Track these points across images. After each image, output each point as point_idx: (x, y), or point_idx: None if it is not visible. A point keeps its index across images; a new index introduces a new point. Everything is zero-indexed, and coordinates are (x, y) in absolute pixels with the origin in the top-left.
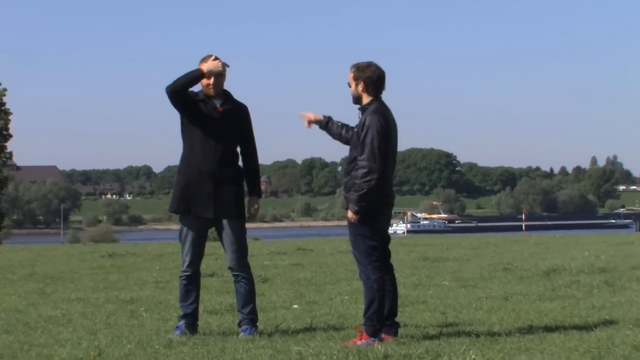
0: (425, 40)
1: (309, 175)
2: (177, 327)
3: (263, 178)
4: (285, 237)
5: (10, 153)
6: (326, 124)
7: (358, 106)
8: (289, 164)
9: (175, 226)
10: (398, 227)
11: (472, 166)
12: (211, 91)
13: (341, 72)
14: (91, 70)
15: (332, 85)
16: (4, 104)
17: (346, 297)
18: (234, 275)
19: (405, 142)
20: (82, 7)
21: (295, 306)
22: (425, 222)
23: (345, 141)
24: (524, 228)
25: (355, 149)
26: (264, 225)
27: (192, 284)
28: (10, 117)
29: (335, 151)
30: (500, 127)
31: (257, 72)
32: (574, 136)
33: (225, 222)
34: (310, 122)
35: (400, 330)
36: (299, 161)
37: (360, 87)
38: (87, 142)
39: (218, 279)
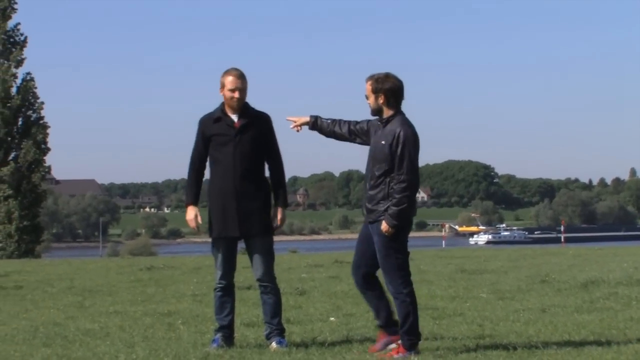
0: (463, 52)
1: (346, 188)
2: (213, 340)
3: (300, 191)
4: (323, 250)
5: (49, 167)
6: (314, 124)
7: (377, 118)
8: (327, 176)
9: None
10: (479, 238)
11: (510, 178)
12: (234, 104)
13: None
14: (130, 84)
15: None
16: (42, 118)
17: None
18: (261, 286)
19: (443, 154)
20: (123, 19)
21: (332, 319)
22: (505, 232)
23: (340, 137)
24: (562, 240)
25: (385, 162)
26: (302, 237)
27: (226, 295)
28: (48, 131)
29: None
30: (538, 139)
31: (293, 84)
32: (613, 147)
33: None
34: (298, 125)
35: (437, 343)
36: (337, 174)
37: (381, 100)
38: (125, 156)
39: (254, 292)
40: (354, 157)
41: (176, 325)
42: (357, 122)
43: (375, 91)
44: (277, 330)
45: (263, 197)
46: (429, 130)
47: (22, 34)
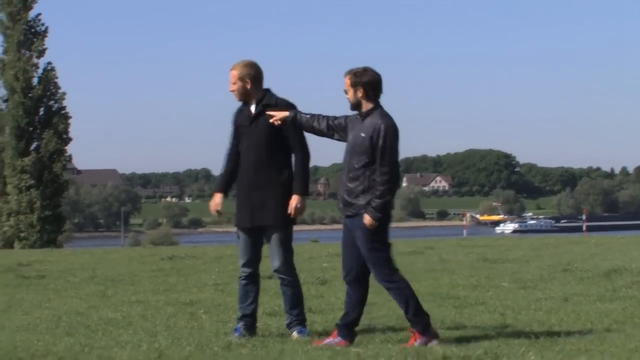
0: (485, 40)
1: None
2: (235, 329)
3: (322, 180)
4: None
5: (70, 156)
6: (294, 119)
7: (357, 112)
8: None
9: (234, 229)
10: (505, 227)
11: (531, 167)
12: (235, 96)
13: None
14: (150, 74)
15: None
16: (63, 108)
17: None
18: (279, 278)
19: (464, 143)
20: (143, 9)
21: None
22: (532, 221)
23: (318, 132)
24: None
25: (365, 154)
26: (323, 227)
27: (250, 284)
28: (70, 121)
29: None
30: (560, 128)
31: (316, 72)
32: (635, 136)
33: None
34: (277, 120)
35: (460, 332)
36: None
37: (359, 93)
38: (146, 146)
39: (277, 281)
40: None
41: (198, 314)
42: (335, 118)
43: (354, 85)
44: (298, 320)
45: (280, 187)
46: (449, 119)
47: (43, 24)
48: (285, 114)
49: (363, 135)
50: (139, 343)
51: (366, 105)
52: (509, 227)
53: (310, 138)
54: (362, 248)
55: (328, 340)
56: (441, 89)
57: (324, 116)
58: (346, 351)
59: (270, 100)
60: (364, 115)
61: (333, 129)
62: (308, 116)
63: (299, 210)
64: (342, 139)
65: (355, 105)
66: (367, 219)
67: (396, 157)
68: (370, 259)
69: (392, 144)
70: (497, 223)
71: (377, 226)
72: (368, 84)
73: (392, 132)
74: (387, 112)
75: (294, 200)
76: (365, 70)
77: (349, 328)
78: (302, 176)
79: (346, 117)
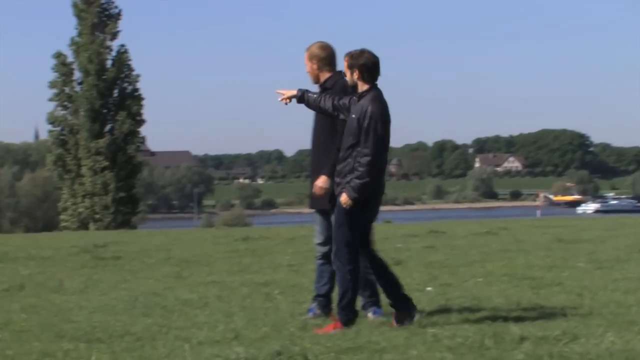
0: (557, 18)
1: (439, 158)
2: (310, 309)
3: (394, 161)
4: (417, 220)
5: (144, 138)
6: (301, 97)
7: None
8: (420, 146)
9: (307, 210)
10: (587, 207)
11: (605, 147)
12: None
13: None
14: (223, 55)
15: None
16: (137, 90)
17: (480, 280)
18: None
19: (537, 123)
20: None
21: (429, 288)
22: (613, 202)
23: (324, 111)
24: None
25: (352, 135)
26: (395, 208)
27: (326, 264)
28: (143, 103)
29: (467, 133)
30: (635, 106)
31: (392, 55)
32: None
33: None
34: (286, 98)
35: (536, 312)
36: (430, 143)
37: (355, 75)
38: (219, 127)
39: None
40: (447, 128)
41: (273, 295)
42: (340, 98)
43: (351, 67)
44: (371, 301)
45: (331, 171)
46: (523, 99)
47: (116, 7)
48: (294, 92)
49: (353, 116)
50: (215, 324)
51: (362, 87)
52: (590, 207)
53: None
54: (334, 224)
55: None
56: (514, 68)
57: (330, 96)
58: (423, 332)
59: (328, 84)
60: (359, 97)
61: (338, 108)
62: (315, 96)
63: (320, 190)
64: (347, 119)
65: (353, 87)
66: (343, 197)
67: (380, 141)
68: (336, 236)
69: (375, 127)
70: (571, 203)
71: (351, 207)
72: (364, 65)
73: (378, 115)
74: (379, 95)
75: (319, 180)
76: (362, 52)
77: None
78: (333, 159)
79: (351, 97)
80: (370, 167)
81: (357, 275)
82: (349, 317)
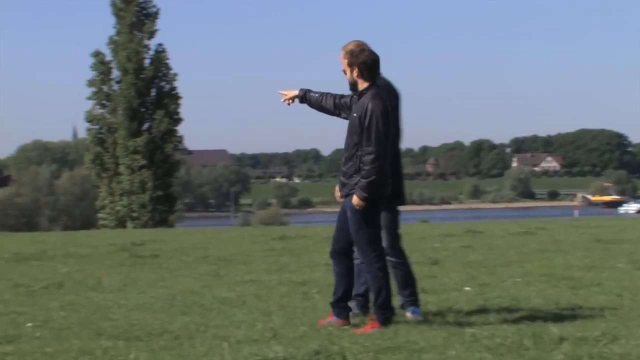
0: (594, 18)
1: (476, 157)
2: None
3: (431, 160)
4: (454, 219)
5: (181, 137)
6: (303, 97)
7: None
8: (457, 146)
9: None
10: (630, 207)
11: None
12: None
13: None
14: (261, 53)
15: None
16: (174, 89)
17: (518, 280)
18: (387, 260)
19: (575, 122)
20: None
21: (467, 288)
22: None
23: (326, 110)
24: None
25: (355, 134)
26: (432, 207)
27: (363, 263)
28: (180, 102)
29: (504, 132)
30: None
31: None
32: None
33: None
34: (288, 99)
35: (576, 312)
36: (467, 143)
37: (355, 73)
38: (256, 126)
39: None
40: (484, 127)
41: (311, 294)
42: (342, 96)
43: (350, 65)
44: (409, 301)
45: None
46: (561, 98)
47: (154, 6)
48: (296, 92)
49: (355, 115)
50: (253, 322)
51: (361, 85)
52: (633, 207)
53: (413, 119)
54: (350, 228)
55: (328, 320)
56: (552, 67)
57: (331, 95)
58: (461, 331)
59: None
60: (359, 95)
61: (339, 107)
62: (317, 95)
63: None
64: (348, 118)
65: (353, 85)
66: (354, 199)
67: (383, 138)
68: (356, 239)
69: (377, 124)
70: (609, 204)
71: (364, 206)
72: (363, 63)
73: (379, 112)
74: (380, 93)
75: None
76: (362, 50)
77: (340, 305)
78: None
79: (352, 96)
80: (374, 164)
81: (387, 273)
82: (386, 315)
